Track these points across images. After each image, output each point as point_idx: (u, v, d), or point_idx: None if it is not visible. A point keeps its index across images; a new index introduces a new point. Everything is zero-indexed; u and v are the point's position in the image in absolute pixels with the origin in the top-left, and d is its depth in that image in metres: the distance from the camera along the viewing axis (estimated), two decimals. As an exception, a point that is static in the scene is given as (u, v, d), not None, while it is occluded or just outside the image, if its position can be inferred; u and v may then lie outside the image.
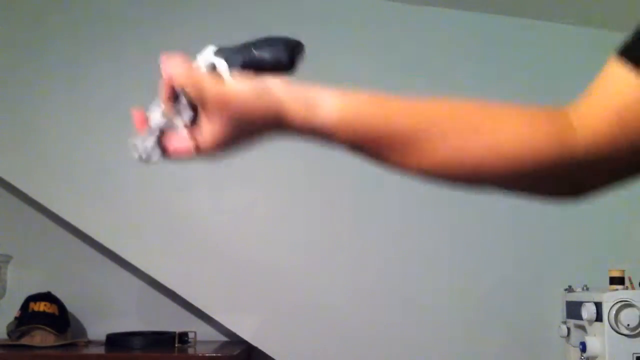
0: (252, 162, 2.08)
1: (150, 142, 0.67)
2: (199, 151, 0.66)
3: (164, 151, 0.69)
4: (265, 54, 0.67)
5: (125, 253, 1.99)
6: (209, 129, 0.64)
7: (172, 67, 0.67)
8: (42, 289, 1.99)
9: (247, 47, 0.68)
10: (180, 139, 0.67)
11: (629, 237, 2.24)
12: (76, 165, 2.00)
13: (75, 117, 2.02)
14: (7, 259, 2.09)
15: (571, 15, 2.29)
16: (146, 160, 0.67)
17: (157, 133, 0.67)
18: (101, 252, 2.09)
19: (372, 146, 0.64)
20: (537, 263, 2.19)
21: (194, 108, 0.66)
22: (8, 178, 1.97)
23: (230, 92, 0.63)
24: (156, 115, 0.68)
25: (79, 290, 2.10)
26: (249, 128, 0.64)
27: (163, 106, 0.68)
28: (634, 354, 1.77)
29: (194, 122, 0.66)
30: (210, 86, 0.63)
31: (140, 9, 2.11)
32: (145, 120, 0.69)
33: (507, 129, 0.63)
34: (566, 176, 0.64)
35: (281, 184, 2.10)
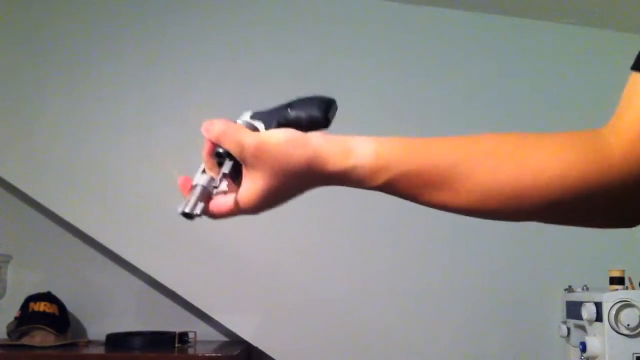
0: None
1: (193, 198, 0.68)
2: (240, 209, 0.67)
3: (207, 210, 0.69)
4: (300, 114, 0.69)
5: (125, 253, 1.99)
6: (250, 184, 0.65)
7: (211, 126, 0.68)
8: (42, 289, 1.99)
9: (282, 108, 0.70)
10: (223, 199, 0.68)
11: (629, 237, 2.23)
12: (76, 165, 2.00)
13: (76, 117, 2.02)
14: (7, 259, 2.09)
15: (571, 15, 2.29)
16: (189, 213, 0.68)
17: (199, 190, 0.68)
18: (101, 252, 2.09)
19: (407, 187, 0.65)
20: (537, 263, 2.19)
21: (234, 166, 0.67)
22: (8, 178, 1.97)
23: (267, 140, 0.64)
24: (198, 175, 0.70)
25: (79, 290, 2.10)
26: (287, 178, 0.64)
27: (204, 165, 0.70)
28: (634, 354, 1.77)
29: (235, 179, 0.68)
30: (247, 136, 0.65)
31: (140, 10, 2.11)
32: (189, 183, 0.70)
33: (543, 155, 0.62)
34: (605, 195, 0.62)
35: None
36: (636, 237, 2.23)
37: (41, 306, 1.92)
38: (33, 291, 1.98)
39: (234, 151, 0.65)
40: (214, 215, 0.69)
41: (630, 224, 0.65)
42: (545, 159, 0.61)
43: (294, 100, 0.71)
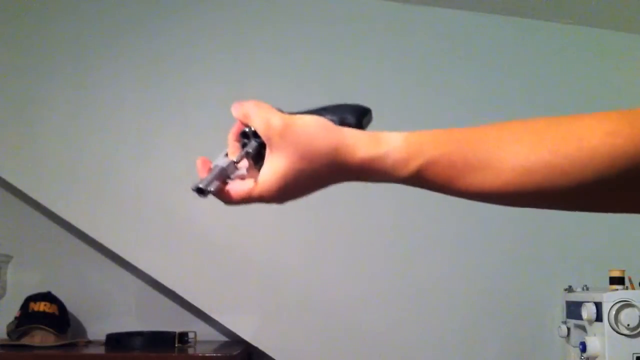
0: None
1: (210, 176, 0.65)
2: (257, 194, 0.64)
3: (222, 190, 0.66)
4: (334, 118, 0.66)
5: (125, 253, 1.99)
6: (271, 167, 0.62)
7: (242, 105, 0.65)
8: (42, 289, 1.99)
9: (316, 111, 0.68)
10: (240, 184, 0.65)
11: (629, 237, 2.24)
12: (76, 165, 2.00)
13: (76, 117, 2.02)
14: (7, 259, 2.09)
15: (571, 15, 2.29)
16: (203, 189, 0.64)
17: (218, 170, 0.66)
18: (101, 252, 2.09)
19: (441, 173, 0.60)
20: (537, 263, 2.19)
21: (258, 149, 0.65)
22: (8, 178, 1.97)
23: (295, 120, 0.62)
24: (220, 157, 0.68)
25: (79, 290, 2.10)
26: (311, 163, 0.61)
27: (227, 149, 0.68)
28: (634, 354, 1.77)
29: (256, 163, 0.65)
30: (276, 115, 0.62)
31: (141, 11, 2.11)
32: (208, 164, 0.67)
33: (585, 126, 0.56)
34: None
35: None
36: (636, 237, 2.23)
37: (41, 306, 1.92)
38: (33, 291, 1.98)
39: (260, 128, 0.63)
40: (229, 199, 0.66)
41: None
42: (588, 128, 0.56)
43: (331, 105, 0.69)
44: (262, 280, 2.05)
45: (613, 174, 0.55)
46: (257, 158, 0.65)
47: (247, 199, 0.65)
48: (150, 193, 2.02)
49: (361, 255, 2.11)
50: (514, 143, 0.58)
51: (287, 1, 2.20)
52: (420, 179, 0.61)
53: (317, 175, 0.63)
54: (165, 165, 2.03)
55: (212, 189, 0.64)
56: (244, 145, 0.67)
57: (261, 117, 0.63)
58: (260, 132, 0.63)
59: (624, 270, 1.91)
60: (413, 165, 0.60)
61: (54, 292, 1.99)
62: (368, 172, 0.62)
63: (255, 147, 0.65)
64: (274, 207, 2.25)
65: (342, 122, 0.66)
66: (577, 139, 0.55)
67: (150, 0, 2.12)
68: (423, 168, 0.60)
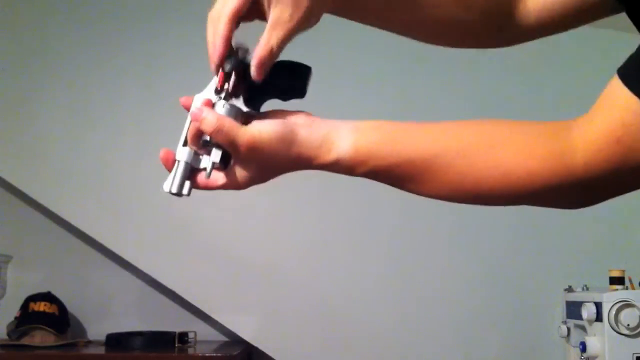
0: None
1: (178, 177, 0.70)
2: (227, 187, 0.72)
3: (194, 184, 0.72)
4: (278, 81, 0.72)
5: (125, 253, 1.99)
6: (240, 171, 0.70)
7: (204, 120, 0.69)
8: (42, 289, 1.99)
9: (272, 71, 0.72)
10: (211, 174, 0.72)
11: (629, 237, 2.24)
12: (76, 165, 2.00)
13: (76, 117, 2.02)
14: (7, 259, 2.09)
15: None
16: (177, 194, 0.71)
17: (183, 167, 0.70)
18: (101, 252, 2.09)
19: (385, 176, 0.70)
20: (537, 263, 2.19)
21: (223, 154, 0.70)
22: (8, 178, 1.97)
23: (259, 139, 0.67)
24: (183, 151, 0.71)
25: (79, 290, 2.10)
26: (274, 169, 0.71)
27: (184, 136, 0.72)
28: (634, 354, 1.77)
29: (223, 162, 0.70)
30: (240, 135, 0.67)
31: (140, 8, 2.11)
32: (172, 157, 0.72)
33: (513, 157, 0.66)
34: (566, 193, 0.67)
35: (281, 183, 2.09)
36: (636, 237, 2.23)
37: (41, 306, 1.92)
38: (33, 291, 1.98)
39: (226, 147, 0.68)
40: (199, 187, 0.73)
41: (591, 204, 0.70)
42: (512, 165, 0.65)
43: (275, 66, 0.72)
44: (262, 281, 2.05)
45: (531, 197, 0.67)
46: (223, 160, 0.70)
47: (216, 189, 0.73)
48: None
49: (361, 256, 2.11)
50: (450, 163, 0.67)
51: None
52: (370, 177, 0.71)
53: (279, 172, 0.73)
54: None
55: (186, 192, 0.71)
56: (204, 144, 0.70)
57: (226, 139, 0.68)
58: (226, 149, 0.69)
59: (624, 270, 1.91)
60: (361, 170, 0.69)
61: (54, 292, 1.99)
62: (327, 170, 0.71)
63: (220, 157, 0.70)
64: (274, 208, 2.24)
65: (291, 89, 0.73)
66: (500, 174, 0.65)
67: None
68: (369, 173, 0.69)
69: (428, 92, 2.23)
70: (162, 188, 0.71)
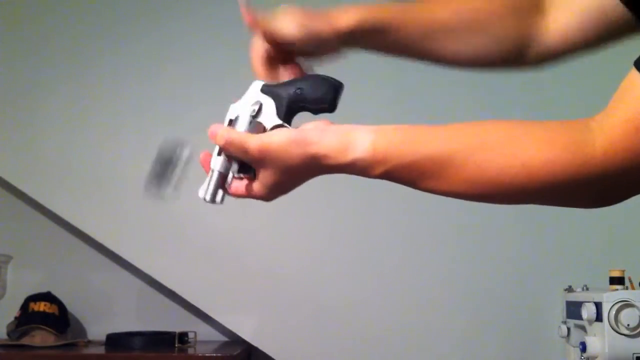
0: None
1: (212, 186, 0.75)
2: (252, 196, 0.75)
3: (226, 192, 0.77)
4: (310, 96, 0.75)
5: (125, 253, 1.99)
6: (260, 179, 0.73)
7: (216, 135, 0.75)
8: (42, 289, 1.99)
9: (292, 84, 0.76)
10: (239, 183, 0.77)
11: (629, 237, 2.23)
12: (76, 165, 2.00)
13: (76, 117, 2.02)
14: (7, 259, 2.09)
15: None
16: (210, 202, 0.76)
17: (217, 176, 0.75)
18: (101, 252, 2.09)
19: (403, 176, 0.70)
20: (537, 263, 2.19)
21: (242, 164, 0.74)
22: (8, 178, 1.97)
23: (268, 143, 0.71)
24: (217, 161, 0.76)
25: (79, 290, 2.10)
26: (292, 174, 0.73)
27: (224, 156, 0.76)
28: (634, 354, 1.77)
29: (246, 171, 0.75)
30: (250, 142, 0.71)
31: (139, 5, 2.11)
32: (209, 160, 0.78)
33: (530, 151, 0.66)
34: (585, 186, 0.66)
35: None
36: (636, 237, 2.23)
37: (41, 306, 1.92)
38: (33, 291, 1.98)
39: (240, 157, 0.73)
40: (229, 194, 0.77)
41: (611, 204, 0.69)
42: (531, 155, 0.65)
43: (303, 79, 0.76)
44: (262, 280, 2.05)
45: (548, 192, 0.67)
46: (245, 169, 0.75)
47: (245, 197, 0.77)
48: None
49: (361, 256, 2.11)
50: (468, 159, 0.67)
51: (288, 1, 2.20)
52: (387, 178, 0.71)
53: (297, 179, 0.75)
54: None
55: (219, 201, 0.75)
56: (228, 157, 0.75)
57: (237, 148, 0.73)
58: (242, 159, 0.73)
59: (624, 270, 1.91)
60: (379, 171, 0.70)
61: (54, 292, 1.99)
62: (341, 172, 0.72)
63: (238, 168, 0.74)
64: (274, 208, 2.25)
65: (320, 101, 0.75)
66: (520, 164, 0.65)
67: None
68: (388, 173, 0.70)
69: (426, 94, 2.23)
70: (197, 193, 0.77)
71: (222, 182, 0.75)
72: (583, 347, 1.84)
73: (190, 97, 2.07)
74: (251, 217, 2.06)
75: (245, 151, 0.72)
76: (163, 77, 2.07)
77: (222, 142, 0.73)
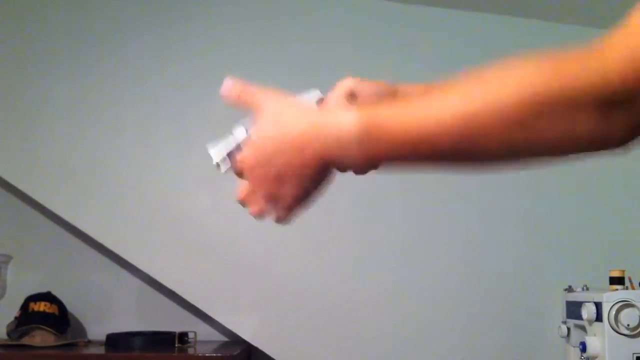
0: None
1: (223, 147, 0.73)
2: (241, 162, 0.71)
3: (233, 167, 0.74)
4: None
5: (125, 253, 1.99)
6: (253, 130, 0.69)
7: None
8: (42, 289, 1.99)
9: None
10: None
11: (629, 237, 2.24)
12: (76, 165, 2.00)
13: (76, 117, 2.02)
14: (7, 259, 2.09)
15: (571, 15, 2.29)
16: (216, 164, 0.74)
17: (231, 141, 0.73)
18: (101, 252, 2.10)
19: (412, 151, 0.63)
20: (537, 263, 2.19)
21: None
22: (8, 178, 1.97)
23: (274, 94, 0.70)
24: (240, 129, 0.74)
25: (79, 290, 2.10)
26: (276, 122, 0.68)
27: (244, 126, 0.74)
28: (634, 354, 1.77)
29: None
30: (268, 99, 0.70)
31: (141, 7, 2.11)
32: (236, 92, 0.75)
33: (522, 70, 0.63)
34: (605, 115, 0.59)
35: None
36: (636, 237, 2.23)
37: (41, 306, 1.92)
38: (33, 291, 1.98)
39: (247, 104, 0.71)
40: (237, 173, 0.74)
41: (635, 135, 0.62)
42: (517, 79, 0.62)
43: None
44: (262, 281, 2.05)
45: (575, 134, 0.60)
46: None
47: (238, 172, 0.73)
48: (150, 193, 2.02)
49: (361, 256, 2.11)
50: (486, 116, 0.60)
51: (289, 1, 2.20)
52: (390, 160, 0.66)
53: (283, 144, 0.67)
54: (166, 165, 2.03)
55: (223, 168, 0.73)
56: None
57: (249, 94, 0.72)
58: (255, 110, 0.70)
59: (624, 270, 1.91)
60: (375, 148, 0.64)
61: (54, 292, 1.99)
62: (331, 154, 0.66)
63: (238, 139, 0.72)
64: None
65: None
66: (515, 80, 0.61)
67: None
68: (389, 151, 0.64)
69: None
70: (207, 147, 0.73)
71: (234, 150, 0.72)
72: (583, 347, 1.84)
73: (191, 98, 2.07)
74: (251, 218, 2.06)
75: (252, 93, 0.71)
76: (163, 78, 2.07)
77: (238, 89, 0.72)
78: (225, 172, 0.74)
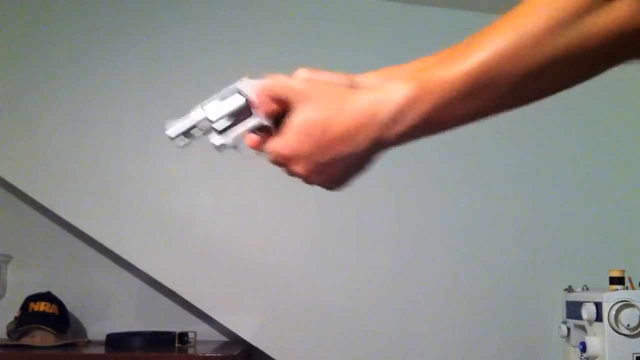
0: (252, 162, 2.08)
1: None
2: (273, 149, 0.69)
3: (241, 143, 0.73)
4: None
5: (125, 253, 1.99)
6: (293, 120, 0.67)
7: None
8: (42, 289, 1.99)
9: None
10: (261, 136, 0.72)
11: (629, 237, 2.24)
12: (76, 165, 2.00)
13: (76, 117, 2.02)
14: (7, 259, 2.09)
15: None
16: (226, 144, 0.74)
17: (246, 125, 0.73)
18: (101, 252, 2.10)
19: (468, 91, 0.61)
20: (537, 263, 2.19)
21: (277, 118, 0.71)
22: (8, 178, 1.97)
23: (318, 80, 0.70)
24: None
25: (79, 290, 2.10)
26: (333, 110, 0.66)
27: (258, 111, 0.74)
28: (634, 354, 1.77)
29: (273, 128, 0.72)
30: (298, 78, 0.71)
31: (141, 8, 2.11)
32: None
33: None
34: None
35: (281, 183, 2.09)
36: (636, 237, 2.23)
37: (41, 306, 1.92)
38: (33, 291, 1.98)
39: (275, 95, 0.71)
40: (250, 147, 0.73)
41: None
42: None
43: None
44: (262, 280, 2.05)
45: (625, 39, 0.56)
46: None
47: (256, 148, 0.72)
48: (150, 193, 2.02)
49: (361, 256, 2.11)
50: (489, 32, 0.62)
51: (289, 1, 2.20)
52: (431, 115, 0.64)
53: (334, 119, 0.65)
54: (166, 165, 2.03)
55: (227, 144, 0.73)
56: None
57: (279, 84, 0.72)
58: (284, 98, 0.70)
59: (624, 270, 1.91)
60: (429, 99, 0.63)
61: (54, 292, 1.99)
62: (387, 115, 0.64)
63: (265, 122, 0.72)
64: (274, 207, 2.23)
65: None
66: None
67: None
68: (446, 93, 0.62)
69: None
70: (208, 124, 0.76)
71: (243, 131, 0.73)
72: (583, 347, 1.84)
73: (191, 99, 2.06)
74: (252, 218, 2.06)
75: (285, 81, 0.70)
76: (163, 79, 2.07)
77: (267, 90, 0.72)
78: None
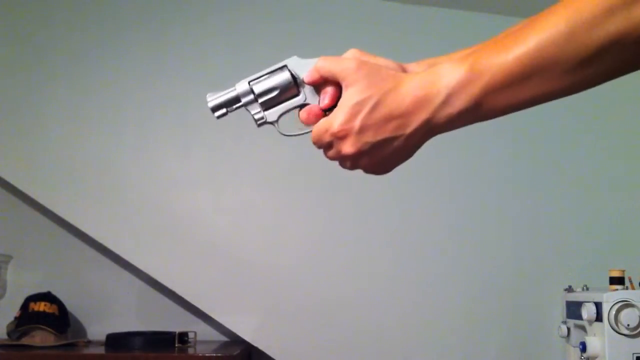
0: (252, 162, 2.08)
1: (283, 106, 0.75)
2: (324, 126, 0.70)
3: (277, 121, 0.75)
4: None
5: (125, 253, 1.99)
6: (344, 97, 0.68)
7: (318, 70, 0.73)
8: (42, 289, 1.99)
9: None
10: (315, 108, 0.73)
11: (629, 237, 2.24)
12: (76, 165, 2.00)
13: (76, 117, 2.02)
14: (7, 259, 2.09)
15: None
16: (263, 122, 0.76)
17: (292, 103, 0.75)
18: (101, 252, 2.10)
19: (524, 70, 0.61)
20: (537, 263, 2.19)
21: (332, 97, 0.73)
22: (8, 178, 1.97)
23: (369, 61, 0.71)
24: (302, 95, 0.76)
25: (79, 290, 2.10)
26: (380, 89, 0.66)
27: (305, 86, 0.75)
28: (634, 354, 1.77)
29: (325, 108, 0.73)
30: (347, 58, 0.73)
31: (141, 8, 2.11)
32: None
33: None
34: None
35: (281, 183, 2.10)
36: (636, 237, 2.23)
37: (41, 306, 1.92)
38: (33, 291, 1.98)
39: (328, 75, 0.73)
40: (303, 120, 0.75)
41: None
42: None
43: None
44: (262, 280, 2.05)
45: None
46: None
47: (309, 122, 0.73)
48: (150, 193, 2.02)
49: (360, 256, 2.11)
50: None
51: (288, 1, 2.20)
52: (483, 97, 0.64)
53: (382, 96, 0.67)
54: (166, 165, 2.03)
55: (269, 120, 0.76)
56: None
57: (332, 62, 0.74)
58: (338, 77, 0.71)
59: (624, 270, 1.91)
60: (484, 79, 0.63)
61: (54, 292, 1.99)
62: (442, 94, 0.64)
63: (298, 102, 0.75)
64: (274, 207, 2.23)
65: None
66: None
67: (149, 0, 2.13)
68: (498, 76, 0.63)
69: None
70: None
71: (293, 105, 0.75)
72: (583, 347, 1.84)
73: (190, 100, 2.07)
74: (252, 218, 2.06)
75: (339, 61, 0.72)
76: (163, 79, 2.07)
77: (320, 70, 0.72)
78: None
